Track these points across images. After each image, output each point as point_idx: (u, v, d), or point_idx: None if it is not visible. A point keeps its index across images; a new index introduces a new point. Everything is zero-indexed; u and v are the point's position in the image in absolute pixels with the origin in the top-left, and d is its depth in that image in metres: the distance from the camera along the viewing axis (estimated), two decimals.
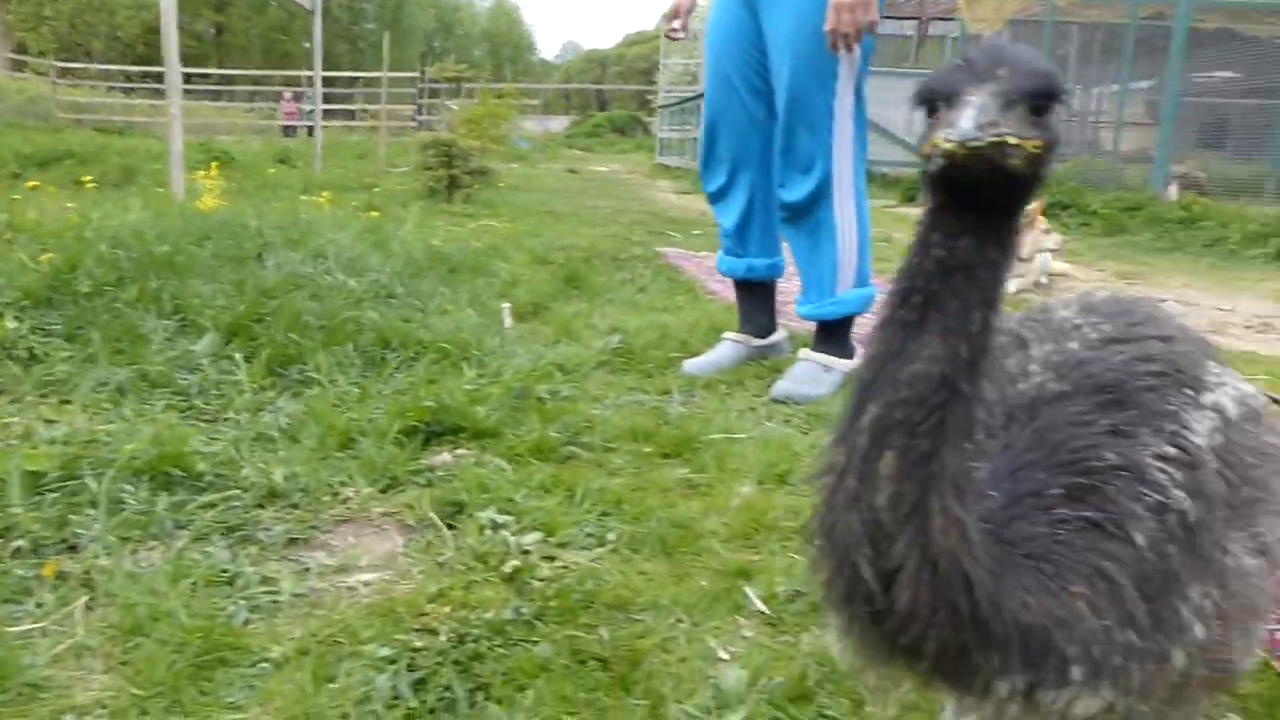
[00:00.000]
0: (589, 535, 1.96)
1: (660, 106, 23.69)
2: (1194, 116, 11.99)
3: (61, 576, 1.76)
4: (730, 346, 3.27)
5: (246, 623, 1.65)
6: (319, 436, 2.42)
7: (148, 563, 1.83)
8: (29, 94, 23.51)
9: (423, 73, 27.40)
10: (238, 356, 2.99)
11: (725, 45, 3.13)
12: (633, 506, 2.09)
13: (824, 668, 1.50)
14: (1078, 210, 9.13)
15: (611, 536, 1.96)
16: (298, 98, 27.01)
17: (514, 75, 45.09)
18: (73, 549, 1.89)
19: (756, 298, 3.34)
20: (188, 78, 26.81)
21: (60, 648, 1.56)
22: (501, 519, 1.97)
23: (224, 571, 1.80)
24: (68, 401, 2.66)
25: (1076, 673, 0.90)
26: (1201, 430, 0.98)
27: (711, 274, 5.28)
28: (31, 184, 6.33)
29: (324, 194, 6.55)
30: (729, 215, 3.27)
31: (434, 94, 26.23)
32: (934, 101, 0.81)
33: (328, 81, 18.93)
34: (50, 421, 2.48)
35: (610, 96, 52.20)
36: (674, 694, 1.45)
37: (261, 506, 2.09)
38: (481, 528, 1.94)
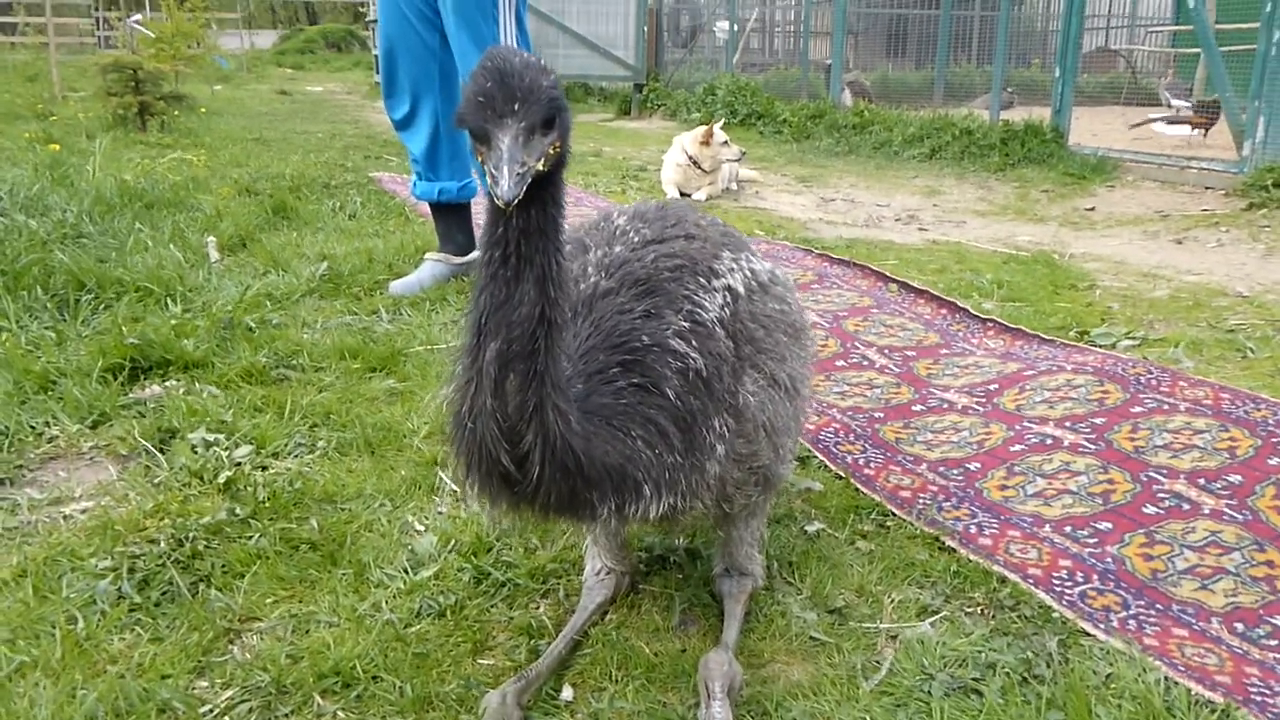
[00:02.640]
0: (300, 444, 2.16)
1: (372, 21, 22.65)
2: (877, 27, 13.19)
3: None
4: (432, 266, 3.49)
5: None
6: (13, 381, 2.42)
7: None
8: None
9: None
10: None
11: None
12: (341, 416, 2.30)
13: (503, 526, 1.81)
14: (770, 119, 9.93)
15: (321, 444, 2.17)
16: None
17: None
18: None
19: (454, 218, 3.57)
20: None
21: None
22: (213, 438, 2.13)
23: None
24: None
25: (646, 489, 1.24)
26: (712, 307, 1.35)
27: None
28: None
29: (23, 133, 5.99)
30: (417, 142, 3.46)
31: (114, 3, 23.50)
32: (473, 136, 1.04)
33: None
34: None
35: (320, 8, 48.98)
36: (376, 561, 1.72)
37: None
38: (194, 447, 2.09)
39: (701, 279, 1.38)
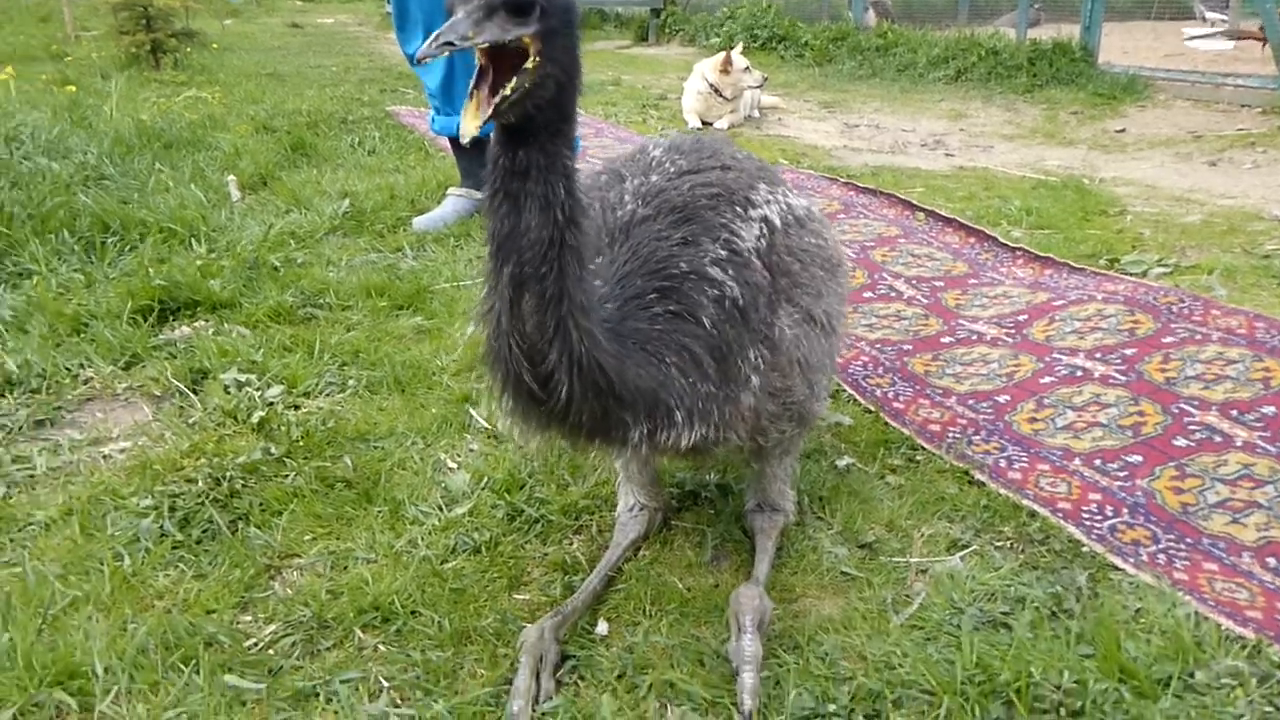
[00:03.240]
0: (330, 384, 2.18)
1: None
2: None
3: None
4: (454, 201, 3.47)
5: (6, 497, 1.78)
6: (47, 324, 2.45)
7: None
8: None
9: None
10: None
11: None
12: (370, 355, 2.32)
13: (535, 462, 1.83)
14: (792, 43, 9.70)
15: (351, 382, 2.19)
16: None
17: None
18: None
19: (474, 152, 3.53)
20: None
21: None
22: (245, 378, 2.15)
23: None
24: None
25: (679, 416, 1.25)
26: (748, 237, 1.34)
27: None
28: None
29: (7, 69, 5.94)
30: (433, 76, 3.41)
31: None
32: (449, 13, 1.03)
33: None
34: None
35: None
36: (410, 499, 1.74)
37: (1, 395, 2.15)
38: (226, 388, 2.11)
39: (738, 209, 1.37)
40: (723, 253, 1.32)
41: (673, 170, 1.43)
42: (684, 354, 1.24)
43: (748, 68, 5.66)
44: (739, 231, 1.35)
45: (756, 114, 6.14)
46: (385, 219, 3.45)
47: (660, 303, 1.25)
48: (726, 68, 5.53)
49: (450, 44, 0.99)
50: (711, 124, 5.72)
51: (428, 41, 0.99)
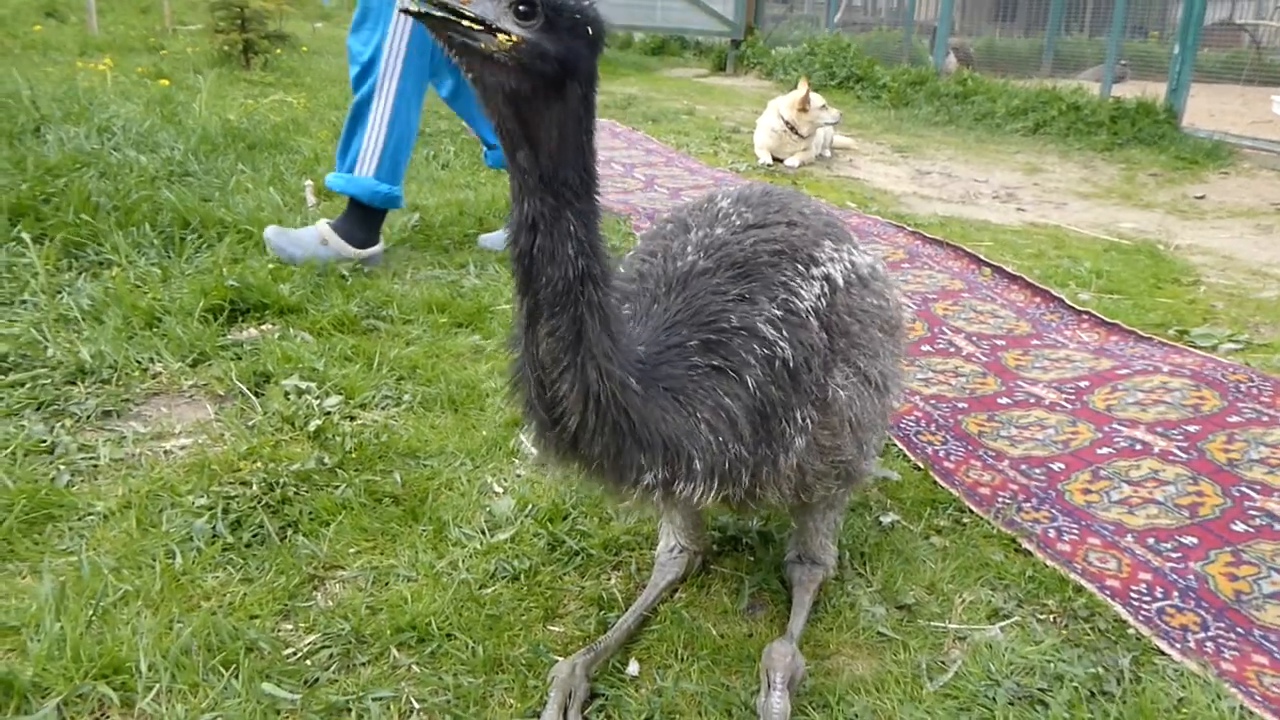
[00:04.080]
0: (386, 397, 2.23)
1: None
2: None
3: None
4: None
5: (69, 485, 1.84)
6: (122, 316, 2.53)
7: None
8: None
9: None
10: (27, 238, 2.99)
11: None
12: (426, 371, 2.36)
13: (580, 494, 1.84)
14: (869, 83, 9.68)
15: (407, 397, 2.23)
16: None
17: None
18: None
19: None
20: None
21: None
22: (305, 385, 2.20)
23: (41, 442, 1.96)
24: None
25: (699, 471, 1.25)
26: (808, 296, 1.34)
27: None
28: None
29: (106, 60, 6.18)
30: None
31: None
32: None
33: None
34: None
35: None
36: (455, 520, 1.77)
37: (72, 383, 2.23)
38: (286, 394, 2.16)
39: (800, 266, 1.37)
40: (778, 312, 1.32)
41: (738, 223, 1.44)
42: (719, 412, 1.24)
43: (824, 105, 5.66)
44: (799, 290, 1.35)
45: (828, 153, 6.13)
46: (452, 234, 3.51)
47: (702, 354, 1.26)
48: (804, 106, 5.54)
49: (439, 3, 0.99)
50: (782, 160, 5.73)
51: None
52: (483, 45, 1.02)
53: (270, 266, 2.88)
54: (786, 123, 5.66)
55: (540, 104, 1.05)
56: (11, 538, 1.65)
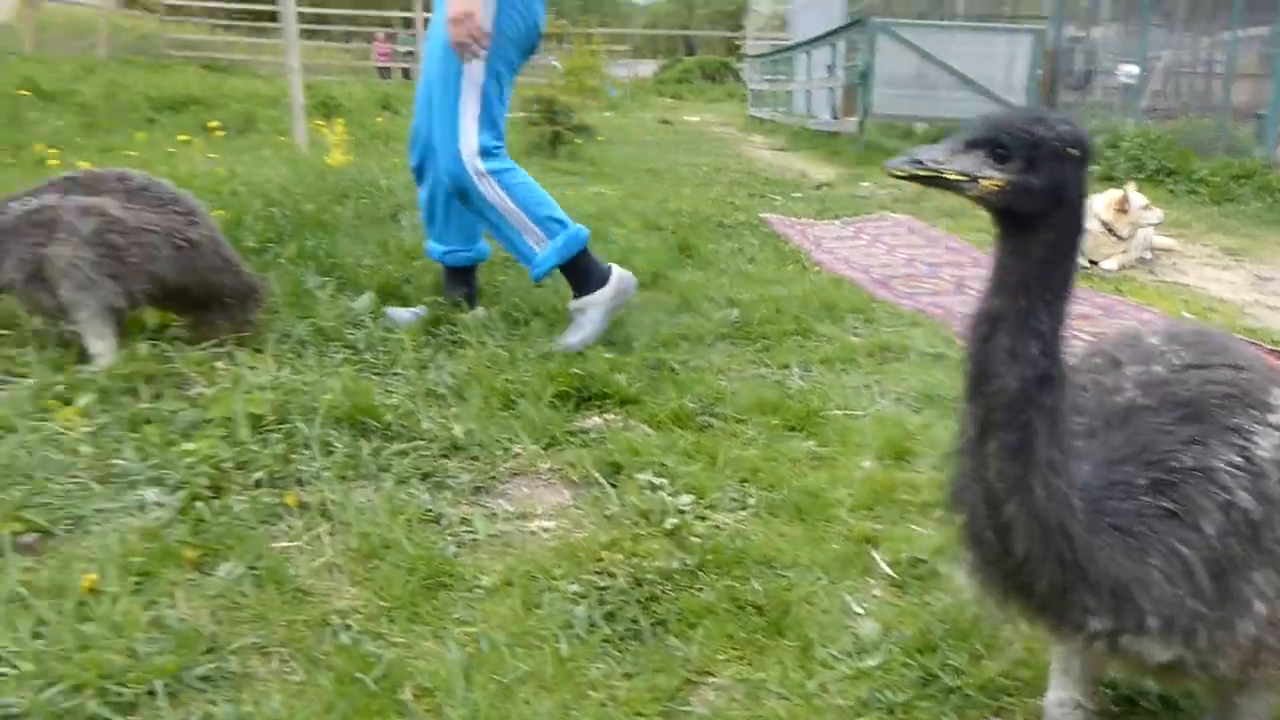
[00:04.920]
0: (732, 499, 2.26)
1: (751, 57, 23.45)
2: None
3: (302, 506, 2.12)
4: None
5: (455, 555, 2.00)
6: (483, 396, 2.74)
7: (365, 499, 2.18)
8: (140, 31, 24.37)
9: None
10: None
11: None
12: (767, 475, 2.38)
13: (946, 625, 1.77)
14: (1183, 177, 8.95)
15: (752, 501, 2.25)
16: (390, 39, 27.45)
17: (601, 19, 44.89)
18: (300, 482, 2.27)
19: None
20: (272, 15, 27.43)
21: (315, 564, 1.92)
22: (658, 481, 2.28)
23: (429, 511, 2.15)
24: (259, 351, 3.02)
25: (1152, 624, 1.16)
26: (1266, 445, 1.23)
27: (818, 244, 5.51)
28: (183, 137, 6.80)
29: None
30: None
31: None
32: None
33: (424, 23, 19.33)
34: (252, 368, 2.85)
35: (698, 41, 51.62)
36: (820, 639, 1.74)
37: (446, 456, 2.43)
38: (641, 488, 2.25)
39: (1254, 412, 1.27)
40: (1236, 458, 1.22)
41: (1176, 363, 1.36)
42: (1172, 559, 1.16)
43: (1147, 205, 5.31)
44: (1254, 437, 1.25)
45: (1148, 255, 5.72)
46: (771, 332, 3.56)
47: (1151, 495, 1.18)
48: (1124, 206, 5.23)
49: (919, 163, 1.09)
50: (1098, 263, 5.41)
51: (900, 160, 1.10)
52: (970, 191, 1.09)
53: (607, 356, 3.04)
54: (1103, 223, 5.35)
55: (1031, 221, 1.11)
56: (416, 600, 1.81)
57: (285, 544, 1.99)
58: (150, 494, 2.14)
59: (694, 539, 2.04)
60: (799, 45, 16.64)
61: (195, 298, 3.05)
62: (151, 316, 3.20)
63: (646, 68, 41.11)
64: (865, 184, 9.07)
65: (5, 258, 2.83)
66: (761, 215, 6.45)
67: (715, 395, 2.87)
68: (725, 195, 7.47)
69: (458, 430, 2.50)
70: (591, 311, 3.29)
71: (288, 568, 1.89)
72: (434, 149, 3.30)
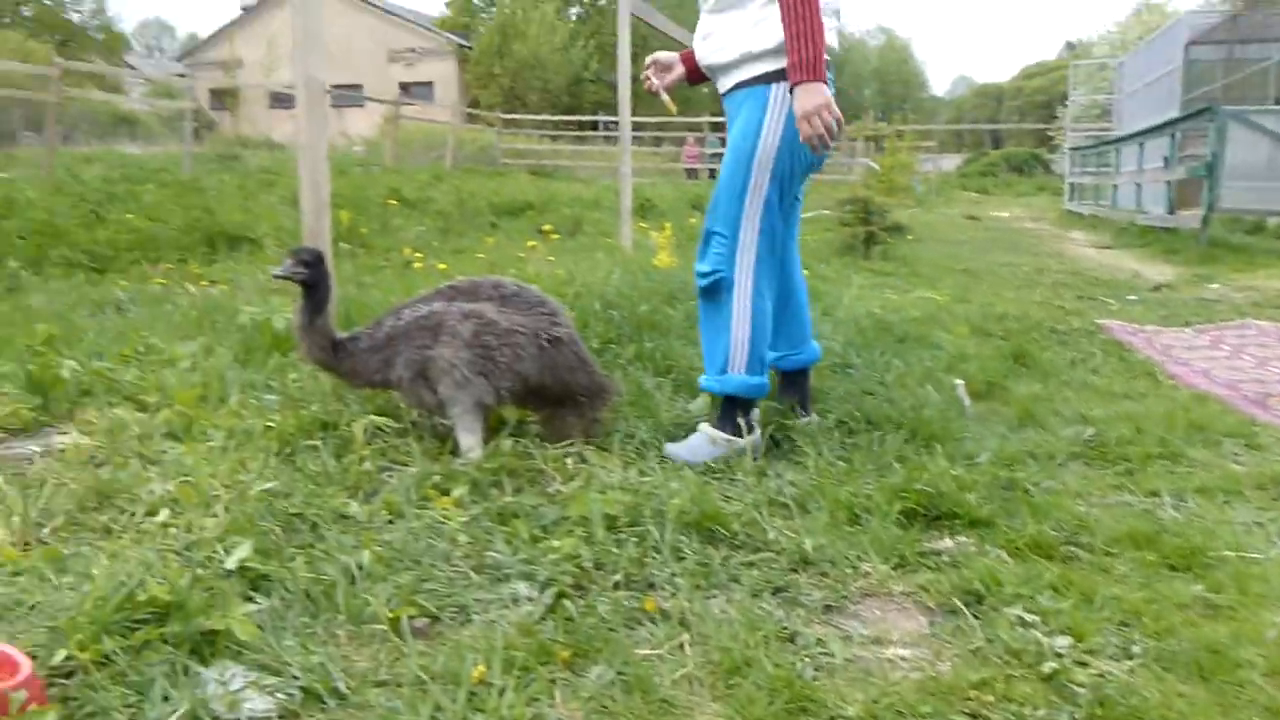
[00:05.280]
0: (1115, 645, 2.05)
1: (1072, 148, 22.25)
2: None
3: (662, 613, 2.18)
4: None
5: (815, 679, 1.95)
6: (828, 510, 2.71)
7: (720, 609, 2.20)
8: (480, 143, 27.40)
9: None
10: None
11: None
12: (1152, 620, 2.14)
13: None
14: None
15: (1137, 649, 2.03)
16: (699, 142, 28.89)
17: (905, 115, 44.66)
18: (652, 586, 2.33)
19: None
20: (604, 125, 29.75)
21: (677, 674, 1.95)
22: (1029, 617, 2.12)
23: (784, 628, 2.13)
24: (605, 450, 3.19)
25: None
26: None
27: (1168, 354, 5.04)
28: (531, 243, 7.48)
29: None
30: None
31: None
32: None
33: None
34: (603, 468, 3.01)
35: (1005, 134, 49.94)
36: None
37: (795, 571, 2.41)
38: (1011, 623, 2.10)
39: None
40: None
41: None
42: None
43: None
44: None
45: None
46: (1130, 454, 3.26)
47: None
48: None
49: None
50: None
51: None
52: None
53: (954, 473, 2.91)
54: None
55: None
56: None
57: (647, 651, 2.04)
58: (521, 587, 2.28)
59: (1077, 688, 1.87)
60: (1131, 136, 15.58)
61: (552, 395, 3.28)
62: (509, 413, 3.48)
63: (950, 161, 40.27)
64: (1214, 285, 8.23)
65: (397, 358, 3.19)
66: (1097, 321, 6.00)
67: (1077, 523, 2.66)
68: (1052, 298, 7.05)
69: (807, 544, 2.48)
70: (714, 448, 3.21)
71: (652, 676, 1.93)
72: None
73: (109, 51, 40.63)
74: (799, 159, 3.16)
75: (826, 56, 2.98)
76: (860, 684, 1.94)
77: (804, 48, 2.87)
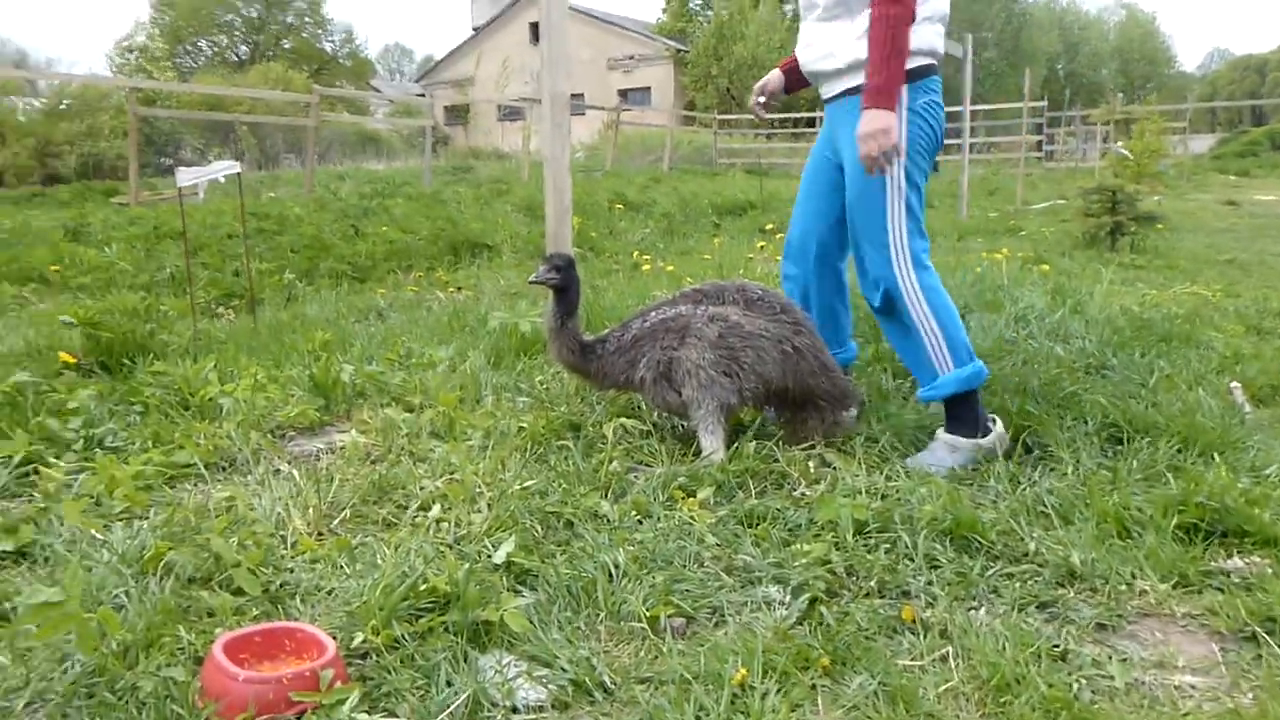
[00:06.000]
0: None
1: None
2: None
3: (921, 623, 2.12)
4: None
5: (1093, 702, 1.84)
6: (1095, 521, 2.55)
7: (982, 622, 2.12)
8: (696, 143, 27.72)
9: (1047, 99, 26.60)
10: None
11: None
12: None
13: None
14: None
15: None
16: None
17: (1146, 96, 41.24)
18: (906, 594, 2.27)
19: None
20: (818, 122, 29.33)
21: (942, 688, 1.90)
22: None
23: (1055, 646, 2.02)
24: (847, 453, 3.13)
25: None
26: None
27: None
28: (761, 244, 7.51)
29: (1003, 251, 6.72)
30: None
31: (1054, 122, 25.31)
32: None
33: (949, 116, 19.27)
34: (848, 472, 2.96)
35: (1268, 109, 45.06)
36: None
37: (1062, 585, 2.29)
38: None
39: None
40: None
41: None
42: None
43: None
44: None
45: None
46: None
47: None
48: None
49: None
50: None
51: None
52: None
53: (1242, 486, 2.66)
54: None
55: None
56: None
57: (908, 661, 2.00)
58: (773, 590, 2.28)
59: None
60: None
61: (793, 398, 3.27)
62: (749, 414, 3.50)
63: (1200, 142, 36.81)
64: None
65: (641, 358, 3.28)
66: None
67: None
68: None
69: (1074, 557, 2.35)
70: (959, 454, 3.10)
71: (916, 688, 1.88)
72: (818, 259, 3.46)
73: (356, 76, 44.31)
74: (922, 152, 3.15)
75: (933, 60, 3.09)
76: (1146, 712, 1.82)
77: (881, 75, 2.91)
